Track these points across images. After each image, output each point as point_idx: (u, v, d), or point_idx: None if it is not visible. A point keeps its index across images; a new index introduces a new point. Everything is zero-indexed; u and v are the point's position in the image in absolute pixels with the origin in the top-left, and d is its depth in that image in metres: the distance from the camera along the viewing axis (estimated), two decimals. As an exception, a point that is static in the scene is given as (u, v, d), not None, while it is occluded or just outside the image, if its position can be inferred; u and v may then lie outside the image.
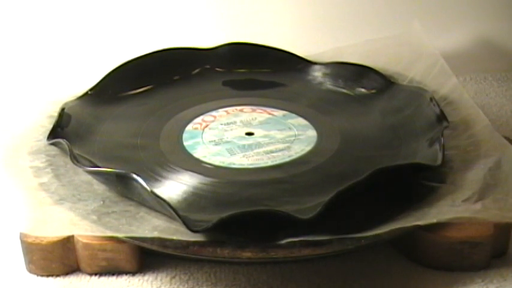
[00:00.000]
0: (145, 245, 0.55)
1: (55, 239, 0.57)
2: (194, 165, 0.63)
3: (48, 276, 0.58)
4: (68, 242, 0.57)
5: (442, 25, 0.90)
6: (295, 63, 0.80)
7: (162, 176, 0.62)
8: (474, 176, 0.61)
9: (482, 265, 0.57)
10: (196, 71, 0.80)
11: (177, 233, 0.54)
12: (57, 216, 0.57)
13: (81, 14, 0.89)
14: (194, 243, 0.53)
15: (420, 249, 0.58)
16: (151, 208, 0.57)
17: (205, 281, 0.57)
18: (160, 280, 0.58)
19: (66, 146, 0.62)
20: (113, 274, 0.58)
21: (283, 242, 0.53)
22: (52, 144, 0.66)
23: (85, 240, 0.56)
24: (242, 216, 0.53)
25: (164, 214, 0.56)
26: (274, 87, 0.78)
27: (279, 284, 0.57)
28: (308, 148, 0.65)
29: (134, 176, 0.55)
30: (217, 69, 0.80)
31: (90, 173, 0.61)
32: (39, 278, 0.58)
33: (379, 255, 0.59)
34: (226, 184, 0.61)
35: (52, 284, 0.58)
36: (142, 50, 0.78)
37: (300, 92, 0.76)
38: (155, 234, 0.54)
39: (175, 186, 0.60)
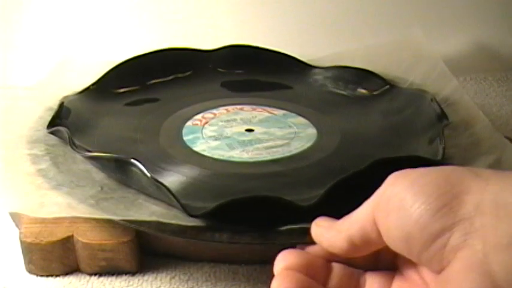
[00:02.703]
0: (142, 228, 0.54)
1: (55, 239, 0.57)
2: (193, 158, 0.63)
3: (47, 276, 0.58)
4: (67, 242, 0.57)
5: (442, 30, 0.90)
6: (295, 67, 0.80)
7: (161, 168, 0.62)
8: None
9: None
10: (197, 71, 0.80)
11: (176, 218, 0.54)
12: (55, 200, 0.57)
13: (82, 11, 0.89)
14: (192, 227, 0.53)
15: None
16: (149, 195, 0.57)
17: (205, 281, 0.57)
18: (160, 280, 0.57)
19: (65, 134, 0.62)
20: (113, 274, 0.58)
21: (283, 228, 0.53)
22: (51, 133, 0.65)
23: (85, 240, 0.56)
24: (241, 202, 0.53)
25: (163, 201, 0.56)
26: (275, 89, 0.78)
27: (279, 283, 0.57)
28: (308, 145, 0.65)
29: (133, 161, 0.55)
30: (217, 69, 0.80)
31: (89, 158, 0.61)
32: (39, 278, 0.58)
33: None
34: (225, 176, 0.61)
35: (52, 284, 0.57)
36: (143, 50, 0.79)
37: (301, 94, 0.77)
38: (153, 218, 0.54)
39: (174, 177, 0.60)
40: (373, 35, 0.89)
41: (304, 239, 0.50)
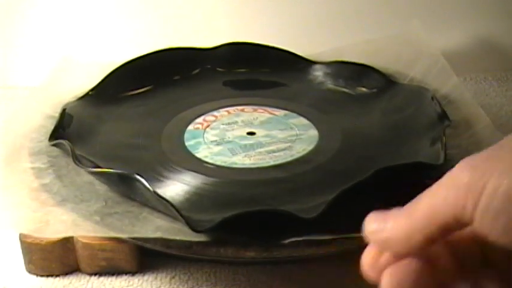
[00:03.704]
0: (148, 245, 0.55)
1: (55, 239, 0.57)
2: (196, 165, 0.63)
3: (47, 276, 0.58)
4: (67, 242, 0.57)
5: (442, 24, 0.89)
6: (295, 63, 0.80)
7: (164, 176, 0.62)
8: None
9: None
10: (197, 71, 0.80)
11: (181, 233, 0.54)
12: (60, 217, 0.57)
13: (80, 13, 0.89)
14: (198, 243, 0.53)
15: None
16: (154, 208, 0.57)
17: (205, 281, 0.57)
18: (160, 280, 0.58)
19: (68, 147, 0.62)
20: (113, 274, 0.58)
21: (287, 241, 0.53)
22: (54, 145, 0.66)
23: (85, 240, 0.56)
24: (245, 215, 0.53)
25: (167, 214, 0.56)
26: (275, 87, 0.78)
27: (278, 284, 0.57)
28: (309, 148, 0.65)
29: (137, 176, 0.55)
30: (217, 69, 0.80)
31: (93, 173, 0.61)
32: (39, 278, 0.58)
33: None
34: (228, 184, 0.61)
35: (52, 284, 0.58)
36: (142, 50, 0.78)
37: (301, 91, 0.76)
38: (158, 234, 0.54)
39: (177, 187, 0.60)
40: (372, 29, 0.89)
41: (308, 251, 0.50)
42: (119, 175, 0.58)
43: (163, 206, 0.55)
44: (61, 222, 0.56)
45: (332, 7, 0.90)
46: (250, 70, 0.80)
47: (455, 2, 0.90)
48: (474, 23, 0.90)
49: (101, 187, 0.61)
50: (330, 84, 0.77)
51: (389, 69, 0.78)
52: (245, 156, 0.64)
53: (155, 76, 0.77)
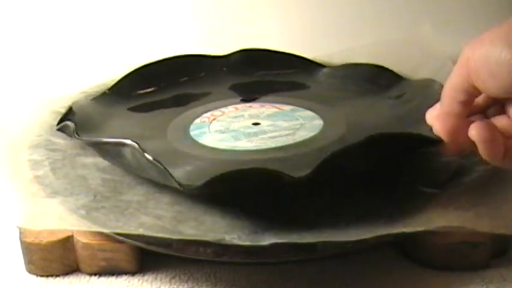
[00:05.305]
0: (129, 241, 0.55)
1: (55, 239, 0.57)
2: (198, 149, 0.64)
3: (47, 276, 0.58)
4: (67, 242, 0.57)
5: (451, 28, 0.89)
6: (306, 67, 0.80)
7: (165, 158, 0.61)
8: (470, 182, 0.60)
9: (482, 265, 0.56)
10: (206, 74, 0.80)
11: (163, 230, 0.54)
12: (47, 210, 0.58)
13: (86, 14, 0.90)
14: (178, 241, 0.53)
15: (420, 249, 0.57)
16: (150, 179, 0.58)
17: (205, 281, 0.57)
18: (160, 280, 0.57)
19: (71, 128, 0.63)
20: (113, 274, 0.58)
21: (268, 243, 0.52)
22: (59, 130, 0.66)
23: (85, 240, 0.56)
24: (233, 175, 0.53)
25: (157, 181, 0.57)
26: (285, 90, 0.78)
27: (278, 284, 0.57)
28: (313, 134, 0.65)
29: (127, 141, 0.56)
30: (229, 74, 0.81)
31: (89, 145, 0.62)
32: (39, 278, 0.58)
33: (379, 255, 0.59)
34: (228, 163, 0.61)
35: (52, 284, 0.58)
36: (154, 55, 0.79)
37: (311, 92, 0.77)
38: (140, 231, 0.54)
39: (179, 167, 0.60)
40: (381, 32, 0.89)
41: (290, 256, 0.50)
42: (110, 143, 0.58)
43: (154, 167, 0.55)
44: (47, 215, 0.57)
45: (341, 10, 0.90)
46: (261, 75, 0.81)
47: (464, 7, 0.89)
48: (482, 27, 0.89)
49: (93, 181, 0.61)
50: (339, 84, 0.77)
51: (398, 72, 0.78)
52: (248, 141, 0.64)
53: (165, 81, 0.78)
